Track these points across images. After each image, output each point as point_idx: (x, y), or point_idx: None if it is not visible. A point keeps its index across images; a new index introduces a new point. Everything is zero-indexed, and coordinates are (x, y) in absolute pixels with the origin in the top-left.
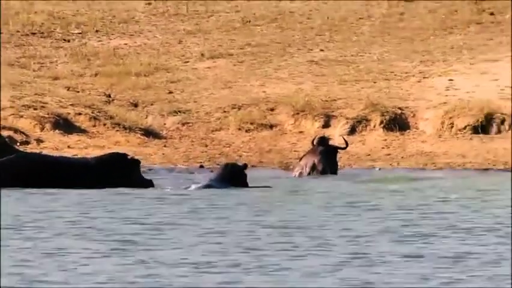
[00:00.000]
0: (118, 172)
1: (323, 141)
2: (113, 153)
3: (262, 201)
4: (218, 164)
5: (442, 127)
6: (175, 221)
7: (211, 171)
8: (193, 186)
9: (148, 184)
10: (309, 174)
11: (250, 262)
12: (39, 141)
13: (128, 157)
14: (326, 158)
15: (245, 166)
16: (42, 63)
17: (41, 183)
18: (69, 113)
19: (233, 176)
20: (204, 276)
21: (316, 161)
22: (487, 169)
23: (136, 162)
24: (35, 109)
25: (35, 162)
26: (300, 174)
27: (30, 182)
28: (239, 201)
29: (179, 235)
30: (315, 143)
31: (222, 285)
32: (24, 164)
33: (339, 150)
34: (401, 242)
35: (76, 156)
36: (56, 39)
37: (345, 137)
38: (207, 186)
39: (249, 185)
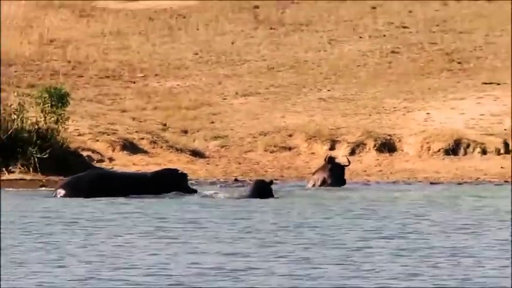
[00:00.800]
0: (171, 182)
1: (331, 160)
2: (166, 168)
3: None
4: (250, 179)
5: (421, 149)
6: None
7: (243, 184)
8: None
9: (194, 192)
10: (320, 186)
11: None
12: (111, 159)
13: (179, 171)
14: (333, 173)
15: (271, 182)
16: (113, 100)
17: (110, 193)
18: (134, 138)
19: (262, 189)
20: None
21: (326, 176)
22: (460, 183)
23: (185, 175)
24: (108, 135)
25: (105, 177)
26: (313, 185)
27: (102, 192)
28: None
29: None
30: (325, 161)
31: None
32: (97, 177)
33: (344, 167)
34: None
35: (138, 171)
36: (124, 81)
37: (347, 157)
38: (249, 196)
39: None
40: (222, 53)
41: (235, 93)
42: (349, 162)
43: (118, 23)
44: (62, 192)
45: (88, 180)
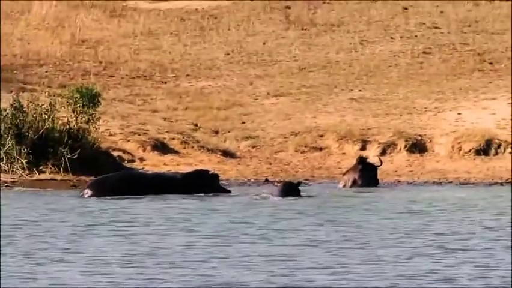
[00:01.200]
0: (203, 183)
1: (362, 160)
2: (197, 169)
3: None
4: (280, 179)
5: (452, 150)
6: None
7: (274, 184)
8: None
9: (227, 192)
10: (350, 187)
11: None
12: (142, 159)
13: (210, 172)
14: (364, 174)
15: (299, 183)
16: (145, 100)
17: (138, 193)
18: (165, 138)
19: (291, 190)
20: None
21: (356, 176)
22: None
23: (216, 176)
24: (139, 135)
25: (134, 177)
26: (344, 186)
27: (130, 193)
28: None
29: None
30: (356, 161)
31: None
32: (125, 178)
33: (377, 167)
34: None
35: (169, 172)
36: (156, 81)
37: (379, 157)
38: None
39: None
40: (254, 53)
41: (267, 94)
42: (381, 162)
43: (149, 23)
44: (89, 192)
45: (116, 180)
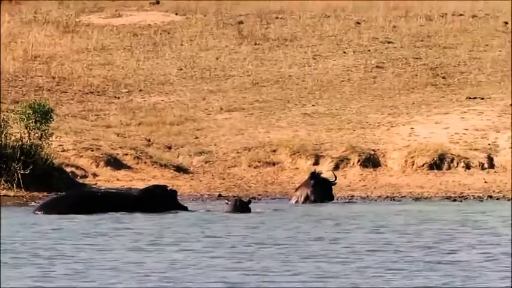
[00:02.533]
0: (161, 200)
1: (314, 175)
2: (155, 185)
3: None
4: (233, 195)
5: (405, 164)
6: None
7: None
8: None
9: (184, 209)
10: (303, 202)
11: None
12: (95, 175)
13: (168, 188)
14: (316, 189)
15: (249, 201)
16: (98, 115)
17: (99, 210)
18: (118, 154)
19: (241, 208)
20: None
21: (309, 192)
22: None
23: (174, 192)
24: (92, 150)
25: (87, 197)
26: (296, 202)
27: (84, 212)
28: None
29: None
30: (308, 177)
31: None
32: (77, 198)
33: (331, 182)
34: None
35: (126, 187)
36: (109, 96)
37: (333, 172)
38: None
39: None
40: (206, 68)
41: (220, 109)
42: (335, 177)
43: (102, 39)
44: (40, 214)
45: (68, 201)
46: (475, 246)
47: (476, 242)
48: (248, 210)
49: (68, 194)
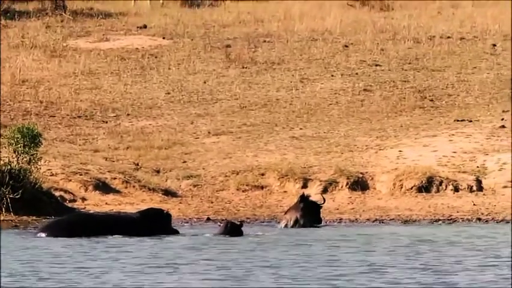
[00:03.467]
0: (157, 223)
1: (303, 199)
2: (152, 208)
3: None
4: (222, 218)
5: (394, 187)
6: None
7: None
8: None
9: (176, 233)
10: (292, 226)
11: None
12: (83, 199)
13: (164, 211)
14: (306, 212)
15: (241, 224)
16: (86, 139)
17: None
18: (106, 178)
19: (233, 231)
20: None
21: (298, 215)
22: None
23: (169, 216)
24: (80, 174)
25: (86, 218)
26: (286, 226)
27: (83, 234)
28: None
29: None
30: (297, 200)
31: None
32: (77, 219)
33: (320, 205)
34: None
35: (122, 211)
36: (96, 120)
37: (322, 195)
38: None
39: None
40: (194, 92)
41: (208, 133)
42: (324, 200)
43: (89, 63)
44: (43, 235)
45: (72, 221)
46: None
47: None
48: (240, 233)
49: (67, 217)
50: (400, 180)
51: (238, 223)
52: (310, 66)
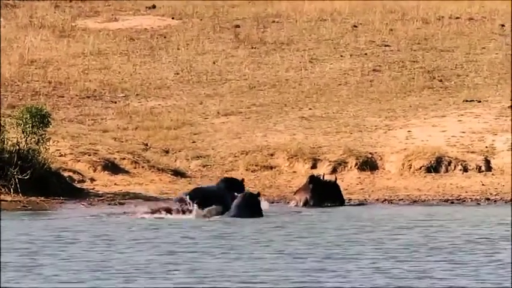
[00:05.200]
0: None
1: (313, 179)
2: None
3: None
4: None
5: (403, 167)
6: None
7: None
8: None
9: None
10: (302, 206)
11: None
12: (92, 180)
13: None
14: (315, 193)
15: (258, 193)
16: (95, 120)
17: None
18: (115, 158)
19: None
20: None
21: (308, 196)
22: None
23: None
24: (89, 155)
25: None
26: (296, 205)
27: None
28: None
29: None
30: (307, 181)
31: None
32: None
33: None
34: None
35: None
36: (105, 101)
37: (336, 176)
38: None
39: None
40: (203, 72)
41: (217, 113)
42: (336, 179)
43: (98, 43)
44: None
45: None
46: None
47: None
48: (258, 204)
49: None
50: (409, 161)
51: (256, 193)
52: (319, 46)
